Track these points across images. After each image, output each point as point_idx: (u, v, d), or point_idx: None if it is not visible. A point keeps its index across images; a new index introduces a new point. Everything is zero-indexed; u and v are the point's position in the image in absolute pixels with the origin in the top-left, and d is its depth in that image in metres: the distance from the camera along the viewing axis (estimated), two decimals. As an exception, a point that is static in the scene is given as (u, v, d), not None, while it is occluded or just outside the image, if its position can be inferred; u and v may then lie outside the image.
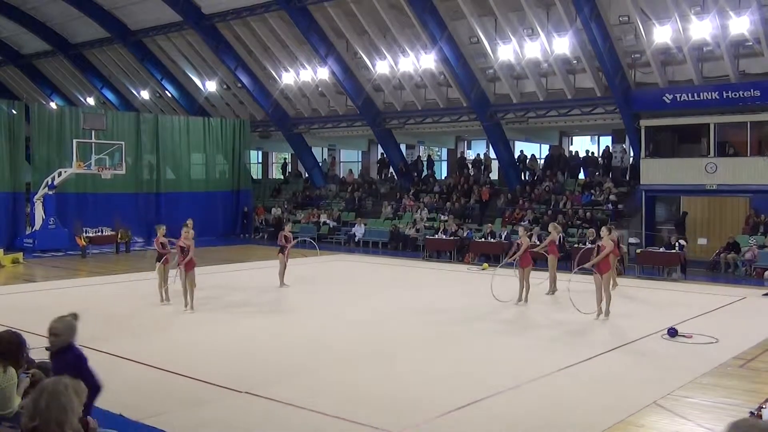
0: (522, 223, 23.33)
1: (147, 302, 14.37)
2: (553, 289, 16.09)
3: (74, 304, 14.54)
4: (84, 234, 24.32)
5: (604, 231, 13.64)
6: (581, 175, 28.11)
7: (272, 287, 16.86)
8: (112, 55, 37.12)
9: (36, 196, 24.92)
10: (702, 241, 22.28)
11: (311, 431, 7.21)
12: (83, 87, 41.03)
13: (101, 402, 7.44)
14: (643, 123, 23.51)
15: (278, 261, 16.95)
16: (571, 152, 29.37)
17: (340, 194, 33.43)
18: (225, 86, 35.15)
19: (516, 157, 29.60)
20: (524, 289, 14.70)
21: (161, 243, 14.42)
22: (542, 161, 29.77)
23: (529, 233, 16.07)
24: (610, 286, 13.32)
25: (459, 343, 11.29)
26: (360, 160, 37.33)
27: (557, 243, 17.04)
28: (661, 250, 20.09)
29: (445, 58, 26.15)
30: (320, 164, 36.48)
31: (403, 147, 33.12)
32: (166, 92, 37.28)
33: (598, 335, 11.87)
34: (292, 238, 17.60)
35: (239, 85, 33.87)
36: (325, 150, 37.88)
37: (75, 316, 5.64)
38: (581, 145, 30.04)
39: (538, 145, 30.93)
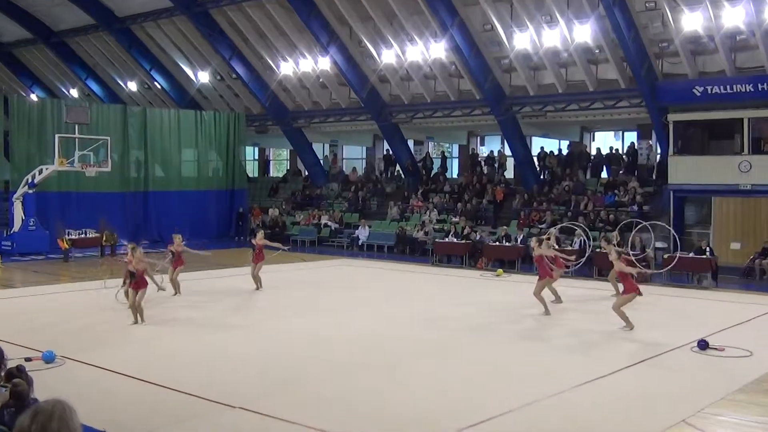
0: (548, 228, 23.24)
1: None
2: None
3: (55, 311, 14.64)
4: (66, 236, 24.37)
5: (609, 240, 13.82)
6: (604, 174, 28.05)
7: (268, 294, 16.88)
8: (97, 43, 37.23)
9: (15, 196, 25.00)
10: (735, 245, 22.19)
11: (310, 450, 7.21)
12: (66, 78, 41.16)
13: (84, 418, 7.47)
14: (671, 117, 23.43)
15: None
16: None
17: (342, 194, 33.45)
18: (219, 77, 35.20)
19: (536, 154, 29.57)
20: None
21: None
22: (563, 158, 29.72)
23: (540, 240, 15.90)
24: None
25: (470, 354, 11.28)
26: (364, 156, 37.34)
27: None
28: (691, 255, 20.03)
29: (456, 47, 26.14)
30: (321, 161, 36.53)
31: (410, 143, 33.09)
32: (155, 83, 37.37)
33: (621, 347, 11.83)
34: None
35: (234, 75, 33.91)
36: (327, 146, 37.91)
37: None
38: (604, 141, 29.96)
39: (557, 141, 30.88)
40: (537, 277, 15.03)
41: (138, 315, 13.17)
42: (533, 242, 15.72)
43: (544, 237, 16.30)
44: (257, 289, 17.33)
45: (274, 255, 18.73)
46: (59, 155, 24.34)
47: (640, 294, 13.16)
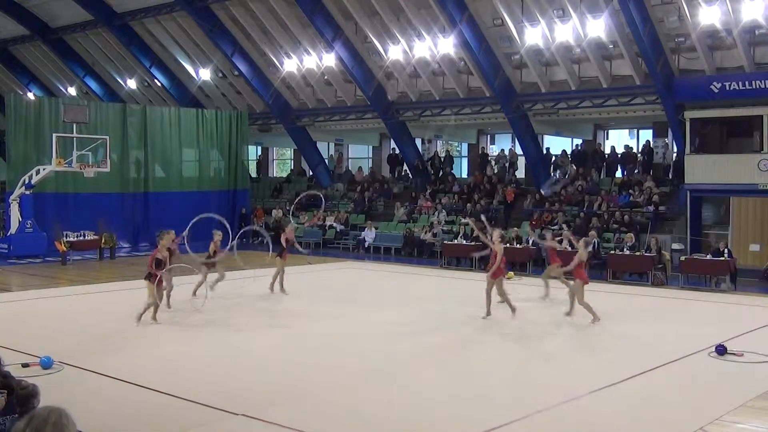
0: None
1: (133, 314, 14.42)
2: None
3: (53, 315, 14.70)
4: (64, 238, 24.46)
5: (579, 242, 14.12)
6: (618, 174, 28.01)
7: (271, 298, 16.90)
8: (95, 40, 37.35)
9: (12, 197, 25.10)
10: (754, 247, 22.11)
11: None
12: (64, 75, 41.31)
13: (82, 425, 7.50)
14: (688, 115, 23.38)
15: (276, 266, 17.44)
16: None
17: (348, 194, 33.49)
18: (220, 74, 35.27)
19: (558, 154, 29.50)
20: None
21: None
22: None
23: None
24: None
25: (479, 361, 11.29)
26: (371, 156, 37.37)
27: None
28: (708, 257, 19.98)
29: (465, 43, 26.14)
30: (326, 161, 36.57)
31: (418, 142, 33.09)
32: (156, 81, 37.47)
33: (635, 353, 11.80)
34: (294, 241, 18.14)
35: (236, 72, 33.98)
36: (332, 145, 37.94)
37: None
38: (618, 139, 29.92)
39: (570, 139, 30.86)
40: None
41: (143, 315, 13.32)
42: (496, 235, 15.30)
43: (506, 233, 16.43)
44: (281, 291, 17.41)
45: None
46: (57, 155, 24.41)
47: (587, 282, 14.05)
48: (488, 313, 14.48)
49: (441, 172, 32.13)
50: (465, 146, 34.89)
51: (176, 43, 34.83)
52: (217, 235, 16.77)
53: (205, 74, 34.81)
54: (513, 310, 14.54)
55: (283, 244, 17.56)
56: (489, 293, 14.61)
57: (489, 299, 14.62)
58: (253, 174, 40.37)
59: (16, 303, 16.64)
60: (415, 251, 26.73)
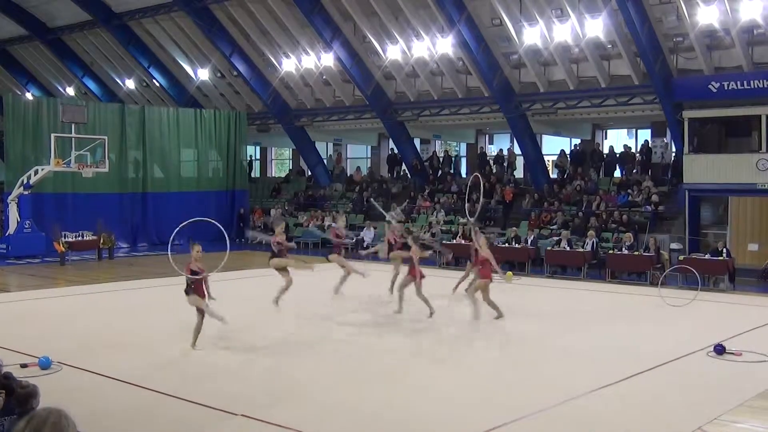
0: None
1: (131, 315, 14.43)
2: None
3: (52, 316, 14.69)
4: (63, 239, 24.44)
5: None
6: (617, 173, 28.03)
7: (267, 299, 16.85)
8: (94, 40, 37.35)
9: (10, 197, 25.09)
10: (753, 246, 22.13)
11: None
12: (62, 75, 41.30)
13: (81, 426, 7.50)
14: (687, 114, 23.41)
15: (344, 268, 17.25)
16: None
17: (346, 194, 33.49)
18: (219, 74, 35.27)
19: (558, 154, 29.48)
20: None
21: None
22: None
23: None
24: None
25: (476, 361, 11.31)
26: (369, 156, 37.37)
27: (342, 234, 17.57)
28: (707, 256, 19.99)
29: (464, 42, 26.16)
30: (325, 161, 36.58)
31: (417, 142, 33.11)
32: (154, 81, 37.47)
33: (634, 353, 11.80)
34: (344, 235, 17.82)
35: (235, 73, 33.98)
36: (330, 145, 37.96)
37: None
38: (617, 139, 29.94)
39: (569, 139, 30.88)
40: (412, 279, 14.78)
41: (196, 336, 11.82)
42: (410, 240, 15.39)
43: (420, 233, 16.79)
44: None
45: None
46: (55, 155, 24.42)
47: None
48: (431, 312, 14.49)
49: (441, 172, 32.15)
50: (464, 146, 34.90)
51: (175, 43, 34.82)
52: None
53: (203, 74, 34.81)
54: (431, 312, 14.46)
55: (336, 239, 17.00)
56: (419, 295, 14.60)
57: (423, 299, 14.61)
58: (257, 173, 40.38)
59: (15, 303, 16.62)
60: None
